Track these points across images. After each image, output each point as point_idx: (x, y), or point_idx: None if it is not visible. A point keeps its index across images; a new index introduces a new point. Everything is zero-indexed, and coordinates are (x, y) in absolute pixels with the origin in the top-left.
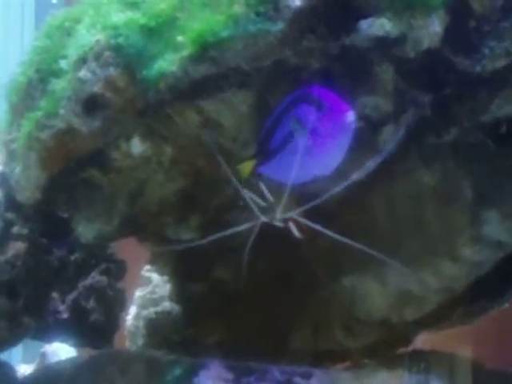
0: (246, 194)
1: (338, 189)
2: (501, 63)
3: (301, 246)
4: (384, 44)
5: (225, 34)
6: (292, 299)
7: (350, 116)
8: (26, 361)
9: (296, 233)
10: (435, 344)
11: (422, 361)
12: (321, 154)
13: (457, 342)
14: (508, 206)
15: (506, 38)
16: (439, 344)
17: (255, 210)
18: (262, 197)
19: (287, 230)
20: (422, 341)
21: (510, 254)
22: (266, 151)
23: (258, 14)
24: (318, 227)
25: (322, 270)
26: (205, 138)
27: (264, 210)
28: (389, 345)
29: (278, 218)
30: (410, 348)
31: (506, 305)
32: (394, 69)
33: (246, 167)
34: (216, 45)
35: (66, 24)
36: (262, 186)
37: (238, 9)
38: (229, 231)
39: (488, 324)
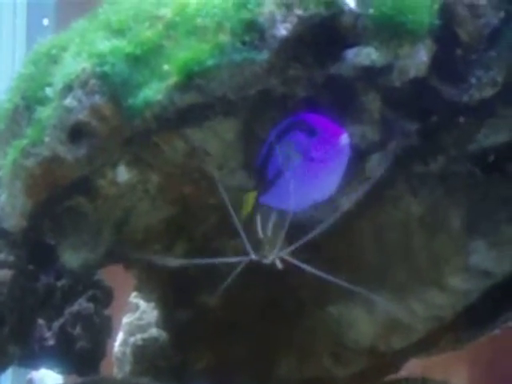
0: (242, 230)
1: (330, 221)
2: (488, 92)
3: (288, 273)
4: (370, 73)
5: (210, 62)
6: (279, 326)
7: (345, 139)
8: None
9: (279, 265)
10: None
11: None
12: (318, 179)
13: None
14: (496, 235)
15: (493, 67)
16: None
17: (248, 247)
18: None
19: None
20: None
21: (498, 282)
22: (263, 181)
23: (243, 43)
24: (307, 267)
25: (309, 297)
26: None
27: (255, 247)
28: (377, 372)
29: (269, 258)
30: (400, 374)
31: (496, 331)
32: (380, 98)
33: (249, 200)
34: (201, 74)
35: (53, 51)
36: (258, 222)
37: (224, 38)
38: (214, 260)
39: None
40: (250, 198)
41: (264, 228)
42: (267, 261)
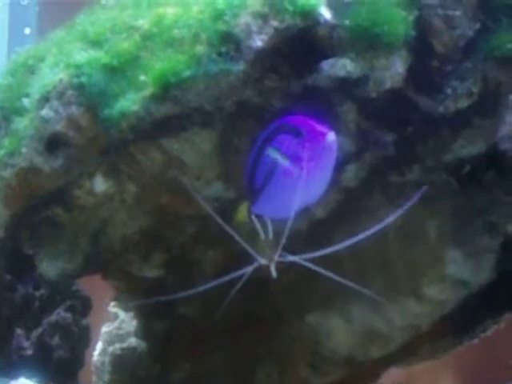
0: (239, 237)
1: (354, 240)
2: (463, 103)
3: (266, 283)
4: (346, 84)
5: (187, 73)
6: (258, 336)
7: (331, 136)
8: None
9: (274, 274)
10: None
11: None
12: (308, 181)
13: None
14: (471, 245)
15: (468, 78)
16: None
17: (253, 253)
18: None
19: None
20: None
21: (476, 292)
22: (253, 189)
23: (219, 54)
24: (320, 270)
25: (287, 307)
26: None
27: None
28: (356, 381)
29: (275, 259)
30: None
31: (475, 341)
32: (356, 108)
33: (242, 211)
34: (178, 85)
35: (30, 62)
36: (259, 227)
37: (201, 49)
38: (227, 277)
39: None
40: (244, 208)
41: (265, 232)
42: (273, 264)
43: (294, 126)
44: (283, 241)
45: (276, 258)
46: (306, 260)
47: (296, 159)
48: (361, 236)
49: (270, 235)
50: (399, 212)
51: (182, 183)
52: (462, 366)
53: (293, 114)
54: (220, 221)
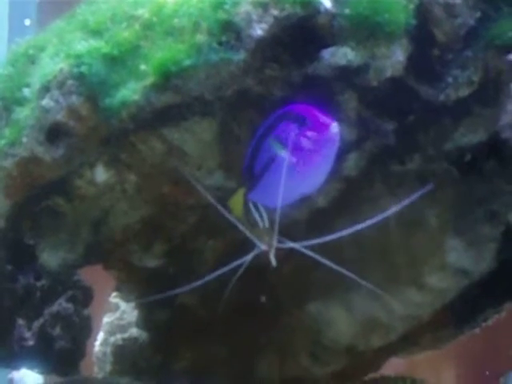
0: (240, 225)
1: (354, 229)
2: (464, 92)
3: (266, 272)
4: (347, 73)
5: (187, 63)
6: (258, 326)
7: (334, 127)
8: None
9: (274, 261)
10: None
11: None
12: (308, 170)
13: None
14: (472, 233)
15: (469, 66)
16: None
17: (254, 240)
18: (255, 224)
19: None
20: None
21: (477, 281)
22: (252, 176)
23: (220, 44)
24: (321, 259)
25: (288, 296)
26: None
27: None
28: (357, 371)
29: (274, 246)
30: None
31: (476, 330)
32: (357, 97)
33: (238, 198)
34: (178, 74)
35: (30, 52)
36: (256, 214)
37: (201, 38)
38: (228, 266)
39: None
40: (240, 196)
41: (261, 219)
42: (272, 250)
43: (298, 115)
44: (276, 226)
45: (275, 244)
46: (305, 247)
47: (297, 149)
48: (362, 225)
49: (266, 222)
50: (403, 203)
51: (182, 173)
52: (463, 356)
53: (295, 103)
54: (221, 209)
